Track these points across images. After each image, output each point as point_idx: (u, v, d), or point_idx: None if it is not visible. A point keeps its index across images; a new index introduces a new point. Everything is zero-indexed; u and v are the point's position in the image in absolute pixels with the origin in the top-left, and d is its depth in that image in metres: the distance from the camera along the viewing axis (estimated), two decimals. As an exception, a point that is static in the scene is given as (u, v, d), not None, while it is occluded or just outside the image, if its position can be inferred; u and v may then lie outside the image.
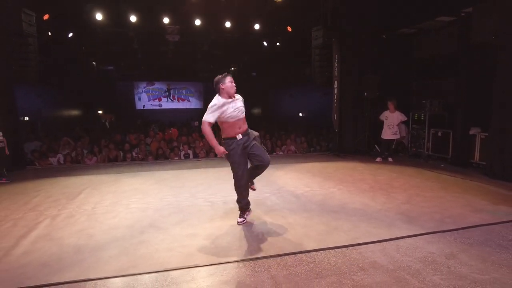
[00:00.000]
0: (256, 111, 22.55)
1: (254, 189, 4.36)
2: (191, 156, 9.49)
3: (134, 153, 9.28)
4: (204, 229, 3.88)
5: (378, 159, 8.25)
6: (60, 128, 12.78)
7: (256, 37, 13.41)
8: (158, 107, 21.36)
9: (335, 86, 9.05)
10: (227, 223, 4.08)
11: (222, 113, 3.76)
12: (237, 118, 3.82)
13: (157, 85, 21.34)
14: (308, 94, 16.05)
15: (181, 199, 5.10)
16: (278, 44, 14.29)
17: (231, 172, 3.95)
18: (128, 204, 4.86)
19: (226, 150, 3.83)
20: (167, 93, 21.51)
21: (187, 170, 7.30)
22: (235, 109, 3.81)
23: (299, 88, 16.74)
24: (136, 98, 20.90)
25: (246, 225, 4.00)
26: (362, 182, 6.05)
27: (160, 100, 21.43)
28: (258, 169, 4.09)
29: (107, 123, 17.50)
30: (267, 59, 16.12)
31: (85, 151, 9.24)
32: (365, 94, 8.86)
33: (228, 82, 3.81)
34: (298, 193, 5.38)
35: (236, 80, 3.97)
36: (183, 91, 21.86)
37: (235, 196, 4.84)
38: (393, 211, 4.44)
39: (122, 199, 5.08)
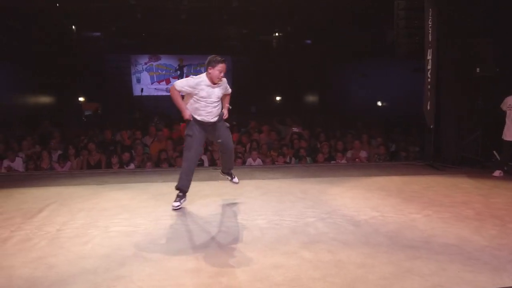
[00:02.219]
0: (311, 98, 22.63)
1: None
2: (205, 163, 9.79)
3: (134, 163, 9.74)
4: (211, 264, 4.08)
5: (497, 172, 8.16)
6: (21, 121, 13.61)
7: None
8: (165, 93, 22.04)
9: (429, 57, 9.02)
10: (246, 256, 4.27)
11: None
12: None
13: (164, 61, 22.06)
14: (391, 73, 15.90)
15: (185, 221, 5.37)
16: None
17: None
18: (107, 226, 5.17)
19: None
20: (178, 72, 22.18)
21: (198, 182, 7.45)
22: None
23: (376, 63, 16.64)
24: (134, 78, 21.72)
25: (273, 261, 4.15)
26: (464, 206, 6.07)
27: (168, 82, 22.13)
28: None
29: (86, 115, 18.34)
30: (328, 19, 16.21)
31: (54, 154, 9.84)
32: (477, 70, 8.73)
33: (217, 67, 5.53)
34: (360, 219, 5.47)
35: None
36: (202, 69, 22.32)
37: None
38: (507, 251, 4.43)
39: (99, 220, 5.40)
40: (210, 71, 5.56)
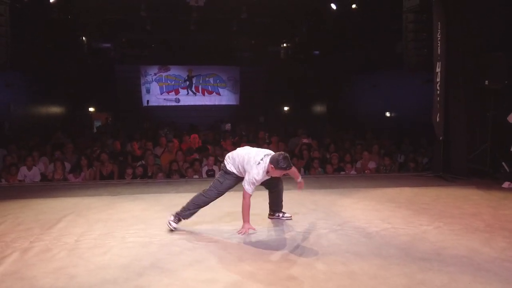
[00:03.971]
0: (319, 109, 22.71)
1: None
2: (216, 174, 9.86)
3: (138, 171, 9.87)
4: (227, 274, 4.19)
5: (506, 184, 8.18)
6: (35, 131, 13.78)
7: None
8: (174, 103, 22.22)
9: (438, 70, 9.08)
10: (261, 267, 4.36)
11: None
12: None
13: (174, 71, 22.22)
14: (401, 84, 15.95)
15: (199, 231, 5.50)
16: (354, 6, 14.43)
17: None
18: (124, 236, 5.30)
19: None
20: (187, 83, 22.35)
21: (210, 193, 7.69)
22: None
23: (386, 75, 16.70)
24: (144, 89, 21.90)
25: (288, 272, 4.25)
26: (474, 218, 6.12)
27: (177, 92, 22.29)
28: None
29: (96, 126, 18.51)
30: (337, 30, 16.32)
31: (67, 165, 9.99)
32: (486, 82, 8.79)
33: (279, 171, 5.21)
34: (371, 231, 5.55)
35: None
36: (211, 80, 22.58)
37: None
38: (517, 262, 4.50)
39: (116, 230, 5.54)
40: (271, 169, 5.19)
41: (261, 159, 5.25)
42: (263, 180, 5.36)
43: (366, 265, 4.41)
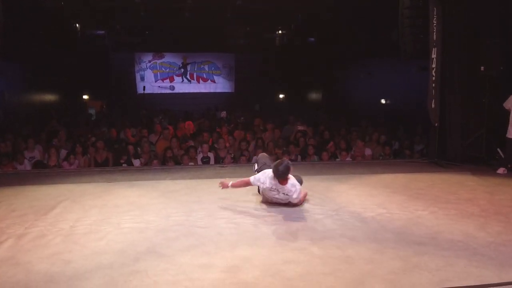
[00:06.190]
0: (315, 96, 22.72)
1: None
2: (211, 161, 9.89)
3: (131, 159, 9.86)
4: (223, 259, 4.20)
5: (501, 170, 8.23)
6: (28, 120, 13.73)
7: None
8: (168, 90, 22.20)
9: (433, 56, 9.06)
10: (256, 252, 4.37)
11: None
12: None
13: (168, 58, 22.18)
14: (396, 71, 15.93)
15: (195, 218, 5.48)
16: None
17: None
18: (119, 222, 5.30)
19: None
20: (182, 70, 22.31)
21: (205, 180, 7.70)
22: None
23: (381, 62, 16.68)
24: (138, 76, 21.85)
25: (283, 257, 4.27)
26: (470, 203, 6.16)
27: (172, 80, 22.26)
28: None
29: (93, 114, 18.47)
30: (333, 18, 16.26)
31: (61, 152, 9.98)
32: (482, 69, 8.79)
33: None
34: (367, 216, 5.58)
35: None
36: (206, 67, 22.55)
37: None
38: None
39: (111, 216, 5.54)
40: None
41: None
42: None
43: (362, 249, 4.43)
